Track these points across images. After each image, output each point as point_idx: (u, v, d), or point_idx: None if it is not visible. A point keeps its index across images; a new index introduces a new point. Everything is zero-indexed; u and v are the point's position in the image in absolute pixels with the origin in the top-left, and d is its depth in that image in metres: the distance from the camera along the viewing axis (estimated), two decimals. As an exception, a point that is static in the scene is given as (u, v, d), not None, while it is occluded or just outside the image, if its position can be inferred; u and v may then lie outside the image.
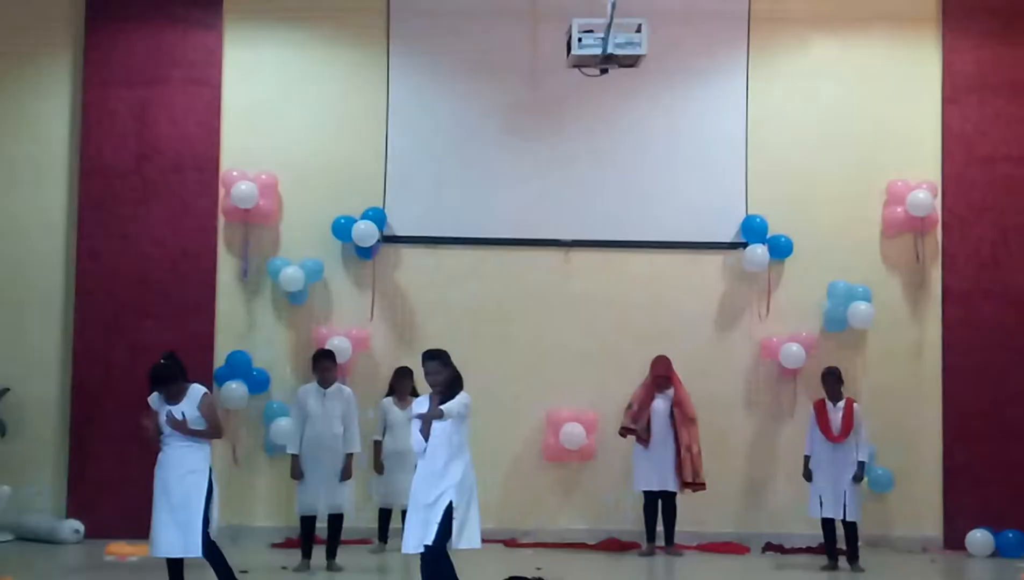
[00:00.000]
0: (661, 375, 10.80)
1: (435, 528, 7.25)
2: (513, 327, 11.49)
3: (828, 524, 10.04)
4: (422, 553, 7.31)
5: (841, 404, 10.08)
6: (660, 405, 10.74)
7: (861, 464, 9.98)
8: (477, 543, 7.45)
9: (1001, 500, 11.06)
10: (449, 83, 11.66)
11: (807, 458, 10.13)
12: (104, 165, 11.28)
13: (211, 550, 7.73)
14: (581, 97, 11.28)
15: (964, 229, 11.45)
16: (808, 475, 10.10)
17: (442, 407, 7.35)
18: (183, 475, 7.68)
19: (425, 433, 7.35)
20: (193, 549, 7.64)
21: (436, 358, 7.50)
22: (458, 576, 7.37)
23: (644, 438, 10.66)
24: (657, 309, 11.46)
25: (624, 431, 10.76)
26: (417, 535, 7.33)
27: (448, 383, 7.45)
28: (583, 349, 11.42)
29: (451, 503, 7.26)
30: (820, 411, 10.10)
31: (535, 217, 11.56)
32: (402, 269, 11.60)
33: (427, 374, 7.51)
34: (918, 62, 11.66)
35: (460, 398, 7.48)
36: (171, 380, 7.72)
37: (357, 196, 11.43)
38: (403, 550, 7.42)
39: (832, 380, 10.16)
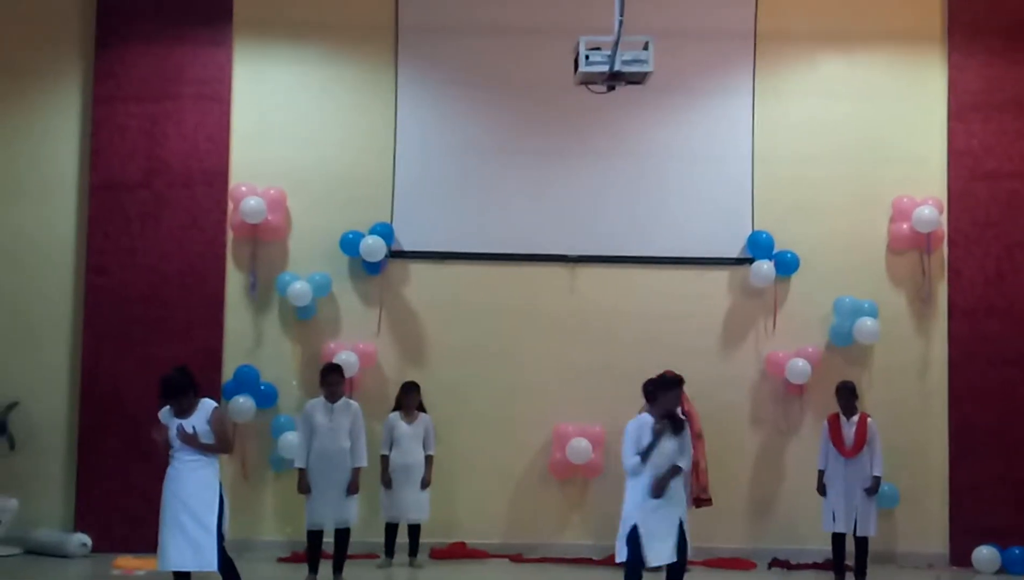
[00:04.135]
0: (668, 391, 10.81)
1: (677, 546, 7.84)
2: (520, 342, 11.51)
3: (838, 539, 10.02)
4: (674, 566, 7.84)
5: (855, 419, 10.03)
6: (667, 420, 10.74)
7: (876, 479, 9.92)
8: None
9: (1007, 516, 11.04)
10: (457, 99, 11.70)
11: (821, 472, 10.10)
12: (113, 180, 11.32)
13: (226, 565, 7.76)
14: (588, 114, 11.28)
15: (969, 245, 11.47)
16: (822, 489, 10.07)
17: (681, 467, 7.82)
18: (194, 490, 7.67)
19: (661, 488, 7.74)
20: (209, 564, 7.63)
21: (681, 384, 7.91)
22: None
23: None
24: (663, 325, 11.47)
25: (631, 447, 10.76)
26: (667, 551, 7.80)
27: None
28: (590, 364, 11.43)
29: (681, 520, 7.79)
30: (833, 425, 10.05)
31: (542, 233, 11.59)
32: (409, 284, 11.63)
33: (669, 401, 7.85)
34: (923, 79, 11.70)
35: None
36: (182, 393, 7.73)
37: (365, 211, 11.48)
38: (653, 563, 7.83)
39: (847, 394, 10.10)
